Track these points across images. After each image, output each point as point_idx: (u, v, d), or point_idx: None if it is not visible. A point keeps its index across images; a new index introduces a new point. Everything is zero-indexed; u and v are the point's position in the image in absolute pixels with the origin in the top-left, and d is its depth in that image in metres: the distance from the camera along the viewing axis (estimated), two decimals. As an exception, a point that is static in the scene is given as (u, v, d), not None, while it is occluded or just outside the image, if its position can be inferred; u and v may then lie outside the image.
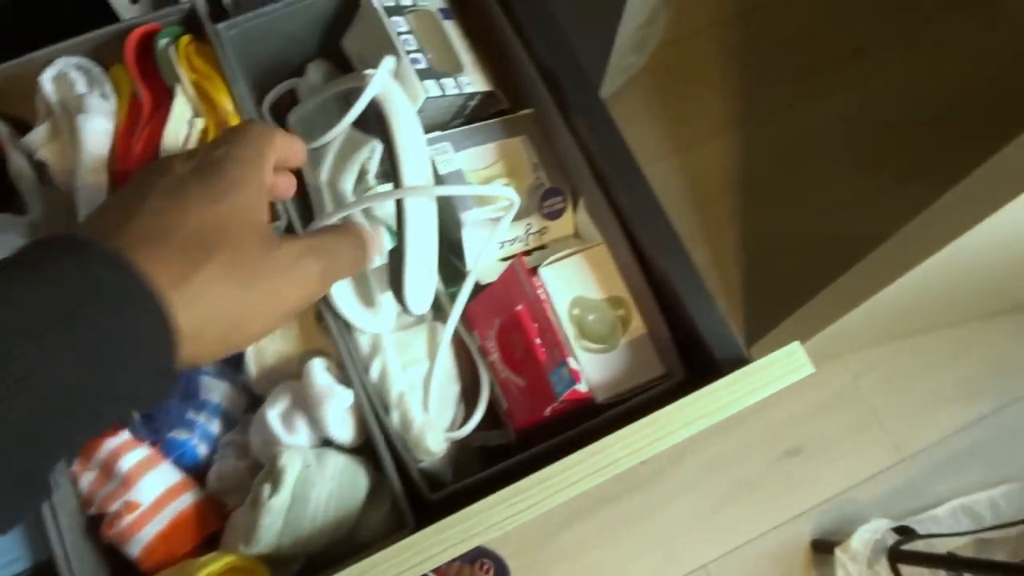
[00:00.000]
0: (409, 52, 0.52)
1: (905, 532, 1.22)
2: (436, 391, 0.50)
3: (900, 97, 1.50)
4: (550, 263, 0.52)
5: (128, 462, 0.50)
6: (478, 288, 0.53)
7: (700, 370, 0.49)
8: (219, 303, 0.31)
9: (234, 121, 0.49)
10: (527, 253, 0.55)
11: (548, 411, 0.48)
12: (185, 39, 0.51)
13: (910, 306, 1.13)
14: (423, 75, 0.52)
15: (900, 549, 1.15)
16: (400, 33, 0.52)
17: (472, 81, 0.55)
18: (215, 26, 0.51)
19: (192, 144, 0.48)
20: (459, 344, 0.54)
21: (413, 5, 0.55)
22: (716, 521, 1.28)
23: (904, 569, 1.15)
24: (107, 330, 0.27)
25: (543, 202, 0.55)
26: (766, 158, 1.47)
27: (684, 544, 1.27)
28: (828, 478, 1.30)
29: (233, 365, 0.54)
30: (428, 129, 0.56)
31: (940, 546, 1.22)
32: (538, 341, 0.48)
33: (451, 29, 0.56)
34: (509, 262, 0.53)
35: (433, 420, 0.49)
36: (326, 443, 0.50)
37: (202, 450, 0.51)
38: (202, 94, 0.49)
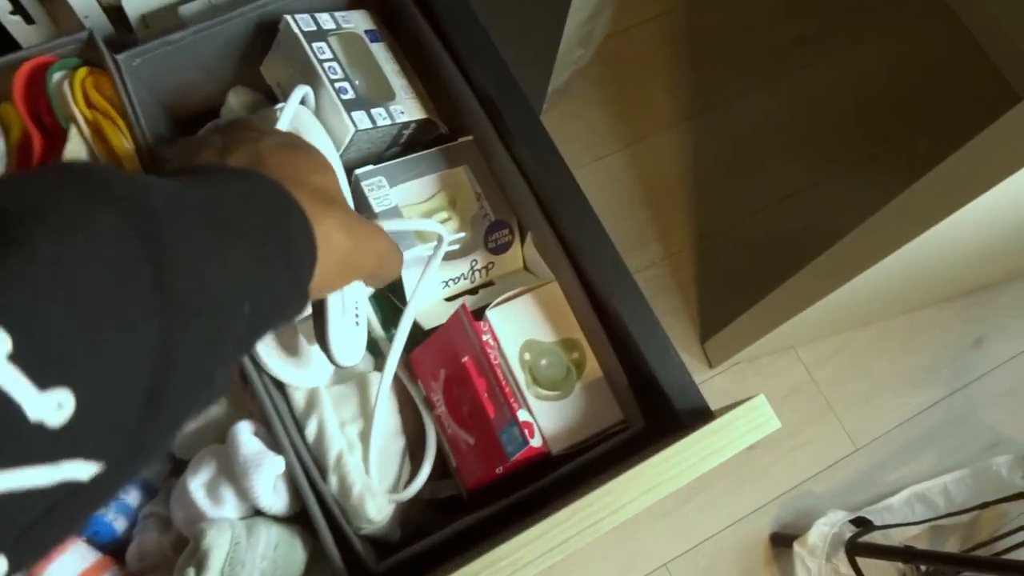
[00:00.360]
0: (334, 81, 0.47)
1: (862, 523, 1.22)
2: (377, 450, 0.46)
3: (846, 84, 1.49)
4: (498, 305, 0.48)
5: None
6: (422, 333, 0.49)
7: (658, 415, 0.46)
8: (337, 246, 0.35)
9: (129, 164, 0.43)
10: (473, 291, 0.51)
11: (499, 470, 0.44)
12: (82, 72, 0.46)
13: (865, 300, 1.13)
14: (351, 106, 0.47)
15: (857, 542, 1.16)
16: (324, 60, 0.48)
17: (406, 109, 0.50)
18: (116, 57, 0.46)
19: None
20: (403, 392, 0.50)
21: (337, 28, 0.50)
22: (676, 518, 1.27)
23: (862, 562, 1.15)
24: (295, 244, 0.31)
25: (488, 236, 0.51)
26: (717, 150, 1.45)
27: (645, 542, 1.25)
28: (784, 471, 1.30)
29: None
30: (362, 161, 0.51)
31: (896, 536, 1.23)
32: (486, 396, 0.44)
33: (380, 52, 0.52)
34: (454, 306, 0.49)
35: (374, 484, 0.45)
36: (258, 512, 0.46)
37: (119, 525, 0.47)
38: (99, 135, 0.43)
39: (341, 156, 0.49)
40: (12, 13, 0.49)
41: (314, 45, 0.48)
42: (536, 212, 0.49)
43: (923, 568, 1.17)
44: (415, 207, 0.51)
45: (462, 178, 0.52)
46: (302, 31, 0.48)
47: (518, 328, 0.48)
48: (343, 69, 0.48)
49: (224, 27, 0.48)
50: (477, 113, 0.51)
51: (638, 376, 0.47)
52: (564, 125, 1.42)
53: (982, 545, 1.23)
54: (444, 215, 0.51)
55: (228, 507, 0.44)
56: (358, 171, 0.49)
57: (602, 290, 0.47)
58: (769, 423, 0.41)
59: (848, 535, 1.20)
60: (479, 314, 0.49)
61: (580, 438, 0.46)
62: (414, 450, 0.49)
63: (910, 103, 1.49)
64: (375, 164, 0.50)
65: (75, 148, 0.42)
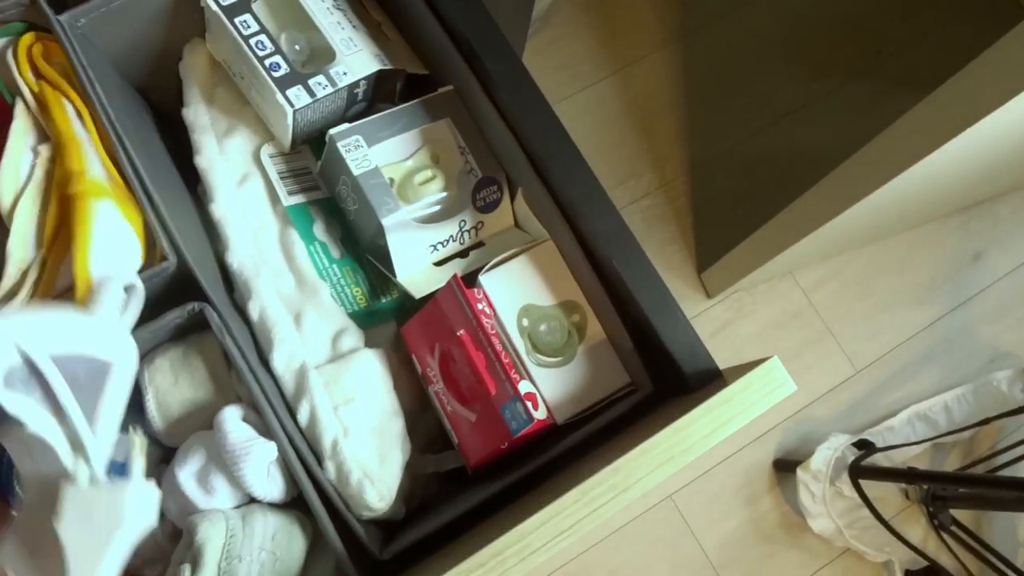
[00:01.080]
0: (264, 58, 0.43)
1: (864, 446, 1.22)
2: (375, 434, 0.44)
3: (841, -7, 1.43)
4: (491, 268, 0.45)
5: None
6: (412, 304, 0.46)
7: (665, 377, 0.44)
8: None
9: (73, 148, 0.39)
10: (463, 254, 0.48)
11: (504, 446, 0.42)
12: (27, 38, 0.41)
13: (866, 221, 1.10)
14: (284, 83, 0.43)
15: (860, 465, 1.16)
16: (249, 36, 0.44)
17: (349, 68, 0.46)
18: (59, 18, 0.41)
19: (37, 181, 0.38)
20: (399, 366, 0.47)
21: None
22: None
23: (865, 484, 1.16)
24: None
25: (476, 194, 0.48)
26: (707, 71, 1.40)
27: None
28: (785, 397, 1.30)
29: (138, 410, 0.47)
30: (323, 127, 0.48)
31: (898, 457, 1.24)
32: (485, 371, 0.42)
33: (315, 5, 0.47)
34: (443, 272, 0.46)
35: (374, 471, 0.43)
36: (253, 499, 0.44)
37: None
38: (46, 110, 0.39)
39: (291, 137, 0.46)
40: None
41: (236, 20, 0.44)
42: (525, 166, 0.46)
43: (925, 487, 1.18)
44: (396, 166, 0.47)
45: (445, 132, 0.49)
46: (221, 7, 0.44)
47: (514, 292, 0.45)
48: (271, 41, 0.44)
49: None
50: (455, 61, 0.47)
51: (642, 337, 0.44)
52: (550, 53, 1.36)
53: (980, 461, 1.24)
54: (428, 173, 0.47)
55: (221, 496, 0.43)
56: (332, 131, 0.45)
57: (600, 248, 0.44)
58: (784, 386, 0.39)
59: (851, 458, 1.20)
60: (472, 278, 0.46)
61: (585, 405, 0.44)
62: (412, 427, 0.47)
63: (903, 12, 1.43)
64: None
65: (22, 127, 0.38)
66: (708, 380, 0.43)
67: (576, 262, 0.45)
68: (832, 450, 1.22)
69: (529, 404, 0.41)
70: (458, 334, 0.42)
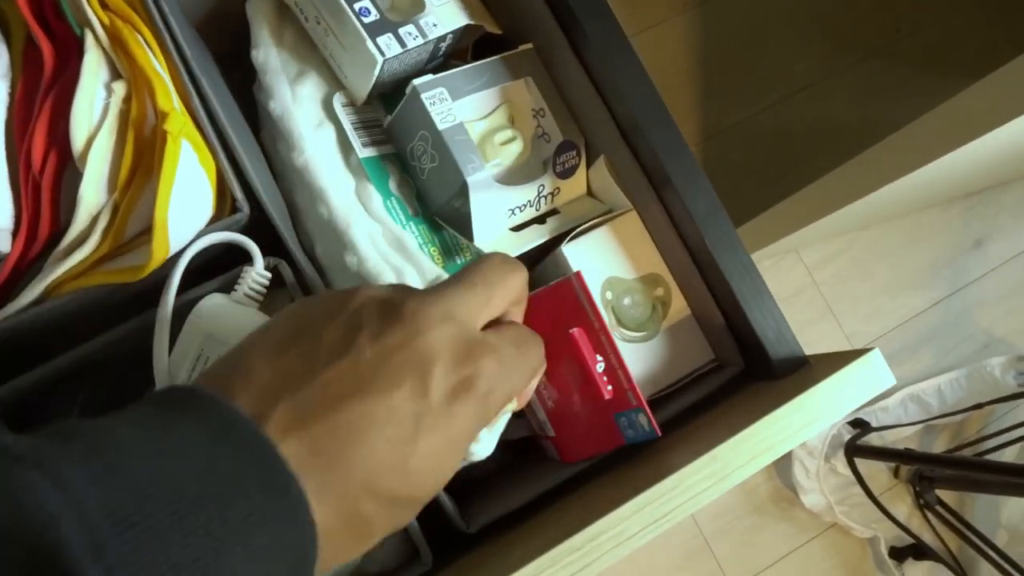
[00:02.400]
0: (353, 1, 0.40)
1: (860, 425, 1.24)
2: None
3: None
4: (574, 239, 0.43)
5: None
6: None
7: (749, 361, 0.43)
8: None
9: (162, 89, 0.36)
10: (540, 220, 0.46)
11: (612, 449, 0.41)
12: (93, -38, 0.38)
13: (879, 203, 1.10)
14: (374, 30, 0.41)
15: (856, 444, 1.18)
16: None
17: (439, 19, 0.43)
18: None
19: (111, 121, 0.35)
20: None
21: None
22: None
23: (860, 463, 1.18)
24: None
25: (556, 158, 0.46)
26: (723, 41, 1.37)
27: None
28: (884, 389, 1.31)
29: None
30: (397, 82, 0.45)
31: (890, 436, 1.26)
32: (601, 376, 0.39)
33: None
34: (521, 238, 0.44)
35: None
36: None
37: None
38: (119, 46, 0.36)
39: (373, 87, 0.43)
40: None
41: None
42: (614, 133, 0.44)
43: (915, 468, 1.21)
44: (474, 123, 0.45)
45: (523, 92, 0.46)
46: None
47: (597, 264, 0.43)
48: None
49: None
50: (544, 16, 0.44)
51: (726, 319, 0.43)
52: (566, 12, 1.33)
53: (968, 444, 1.27)
54: (509, 134, 0.45)
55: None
56: (416, 81, 0.42)
57: (688, 223, 0.42)
58: (884, 379, 0.38)
59: (846, 436, 1.22)
60: (551, 246, 0.44)
61: (669, 381, 0.43)
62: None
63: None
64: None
65: (94, 63, 0.35)
66: (795, 367, 0.42)
67: (663, 235, 0.44)
68: (828, 427, 1.23)
69: (653, 421, 0.38)
70: (571, 331, 0.40)
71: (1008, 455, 1.23)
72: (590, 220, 0.44)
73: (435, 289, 0.29)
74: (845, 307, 1.35)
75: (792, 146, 1.36)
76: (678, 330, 0.44)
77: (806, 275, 1.35)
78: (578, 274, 0.36)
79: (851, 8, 1.40)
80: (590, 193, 0.49)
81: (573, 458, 0.43)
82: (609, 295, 0.43)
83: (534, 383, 0.35)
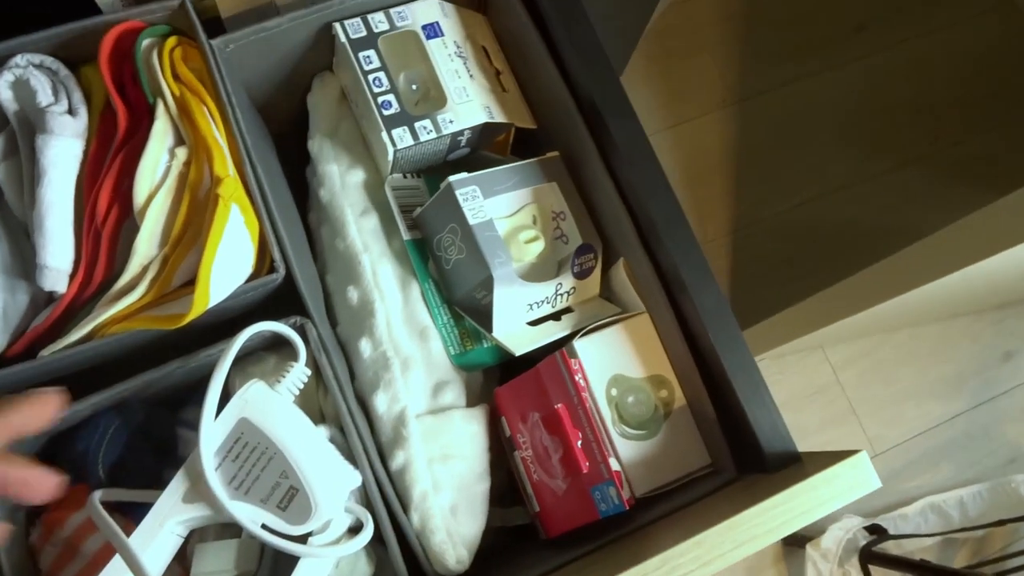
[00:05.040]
0: (378, 95, 0.45)
1: (877, 531, 1.22)
2: (463, 495, 0.44)
3: (901, 79, 1.45)
4: (586, 335, 0.46)
5: (97, 541, 0.43)
6: (506, 363, 0.47)
7: (744, 460, 0.45)
8: None
9: (220, 157, 0.40)
10: (556, 316, 0.49)
11: (588, 523, 0.43)
12: (171, 41, 0.42)
13: (907, 307, 1.10)
14: (392, 122, 0.45)
15: (871, 550, 1.16)
16: (369, 72, 0.45)
17: (456, 116, 0.47)
18: (211, 42, 0.42)
19: (171, 182, 0.39)
20: (490, 425, 0.48)
21: (390, 28, 0.47)
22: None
23: (874, 570, 1.15)
24: None
25: (575, 259, 0.49)
26: (762, 137, 1.41)
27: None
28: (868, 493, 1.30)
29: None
30: (425, 166, 0.49)
31: (908, 546, 1.24)
32: (580, 448, 0.42)
33: (438, 49, 0.48)
34: (538, 332, 0.47)
35: (458, 532, 0.43)
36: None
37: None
38: (186, 115, 0.40)
39: (390, 171, 0.48)
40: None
41: (360, 55, 0.46)
42: (633, 238, 0.46)
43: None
44: (501, 220, 0.48)
45: (547, 195, 0.49)
46: (349, 39, 0.46)
47: (605, 361, 0.46)
48: (389, 79, 0.46)
49: (318, 16, 0.45)
50: (574, 120, 0.48)
51: (724, 412, 0.45)
52: (609, 99, 1.38)
53: (990, 562, 1.23)
54: (533, 233, 0.48)
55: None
56: (452, 178, 0.46)
57: (697, 325, 0.44)
58: (868, 483, 0.40)
59: (862, 541, 1.20)
60: (560, 343, 0.47)
61: (664, 481, 0.45)
62: (502, 489, 0.48)
63: (965, 102, 1.45)
64: (465, 172, 0.47)
65: (162, 128, 0.39)
66: (787, 463, 0.43)
67: (670, 336, 0.46)
68: (844, 531, 1.22)
69: (623, 494, 0.41)
70: (556, 407, 0.42)
71: (1031, 577, 1.19)
72: (601, 320, 0.47)
73: None
74: (868, 409, 1.34)
75: (824, 243, 1.38)
76: (677, 433, 0.46)
77: (831, 373, 1.35)
78: (562, 352, 0.38)
79: (889, 114, 1.44)
80: (602, 295, 0.51)
81: (555, 532, 0.45)
82: (614, 391, 0.45)
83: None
